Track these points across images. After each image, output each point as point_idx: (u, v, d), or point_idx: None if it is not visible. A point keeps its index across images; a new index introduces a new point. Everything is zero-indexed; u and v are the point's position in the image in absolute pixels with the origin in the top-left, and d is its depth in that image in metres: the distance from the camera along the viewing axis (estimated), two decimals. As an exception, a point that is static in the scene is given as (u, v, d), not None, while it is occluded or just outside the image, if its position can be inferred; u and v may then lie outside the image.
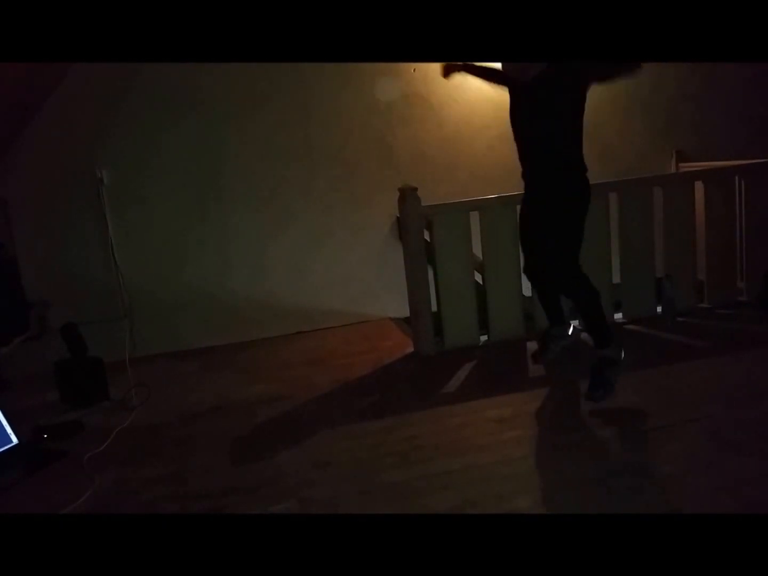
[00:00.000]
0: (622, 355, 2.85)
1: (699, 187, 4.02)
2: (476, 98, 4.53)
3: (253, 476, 2.54)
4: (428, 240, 3.82)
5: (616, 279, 3.96)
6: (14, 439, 2.96)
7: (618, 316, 4.02)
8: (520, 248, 3.37)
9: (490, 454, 2.52)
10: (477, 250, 3.81)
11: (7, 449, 2.92)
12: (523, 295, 3.88)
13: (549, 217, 2.82)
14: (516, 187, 3.13)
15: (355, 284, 4.70)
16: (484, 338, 3.90)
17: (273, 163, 4.49)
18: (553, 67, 2.63)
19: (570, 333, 3.36)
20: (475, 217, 3.74)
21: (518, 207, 3.66)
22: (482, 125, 4.55)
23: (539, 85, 2.69)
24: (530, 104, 2.77)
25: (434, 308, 3.81)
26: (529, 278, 3.30)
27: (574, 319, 3.50)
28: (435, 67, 4.61)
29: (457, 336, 3.81)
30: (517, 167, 2.98)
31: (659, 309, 3.97)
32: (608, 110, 4.60)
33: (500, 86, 2.96)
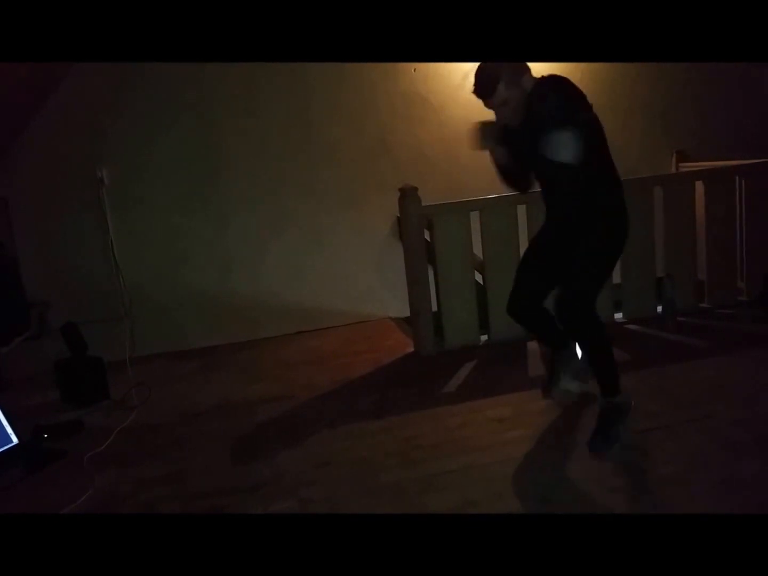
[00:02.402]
0: (632, 403, 2.55)
1: (699, 186, 4.02)
2: (477, 98, 4.54)
3: (253, 476, 2.54)
4: (428, 240, 3.82)
5: (617, 279, 3.95)
6: (14, 439, 2.96)
7: (618, 316, 4.02)
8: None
9: (490, 454, 2.52)
10: (477, 249, 3.81)
11: (7, 449, 2.92)
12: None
13: (583, 259, 2.48)
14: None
15: (355, 284, 4.70)
16: (484, 338, 3.90)
17: (273, 163, 4.49)
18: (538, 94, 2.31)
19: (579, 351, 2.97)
20: (475, 217, 3.74)
21: (518, 207, 3.66)
22: (482, 125, 4.55)
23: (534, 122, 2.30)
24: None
25: (434, 308, 3.81)
26: (516, 315, 2.83)
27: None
28: (435, 67, 4.66)
29: (458, 336, 3.81)
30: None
31: (659, 309, 3.97)
32: (608, 110, 4.59)
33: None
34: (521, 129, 2.41)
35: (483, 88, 2.37)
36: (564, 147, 2.18)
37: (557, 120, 2.19)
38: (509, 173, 2.64)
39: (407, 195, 3.65)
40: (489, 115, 2.53)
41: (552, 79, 2.34)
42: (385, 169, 4.56)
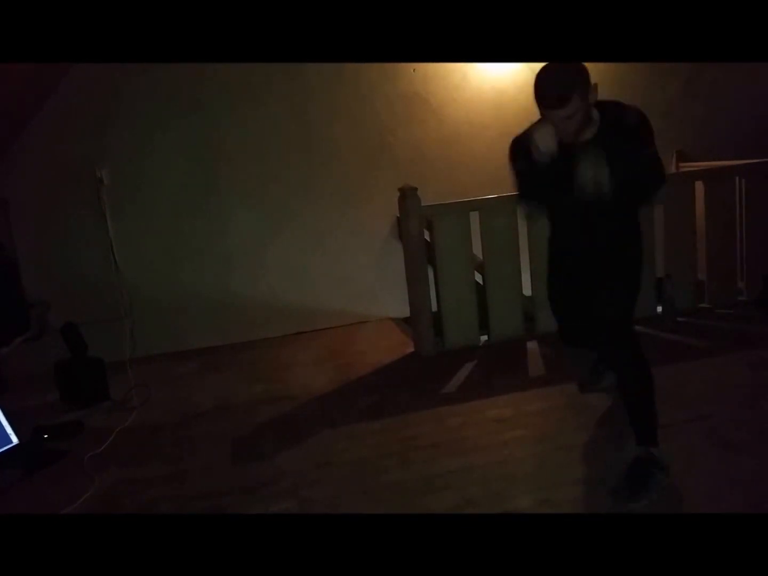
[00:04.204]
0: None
1: (699, 186, 4.02)
2: (476, 98, 4.53)
3: (253, 476, 2.54)
4: (428, 240, 3.82)
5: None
6: (14, 440, 2.96)
7: (618, 316, 4.01)
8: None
9: (490, 454, 2.52)
10: (477, 250, 3.81)
11: (7, 449, 2.92)
12: (524, 295, 3.88)
13: (624, 275, 2.34)
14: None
15: (355, 284, 4.70)
16: (484, 338, 3.90)
17: (273, 163, 4.49)
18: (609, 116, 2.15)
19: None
20: (475, 217, 3.74)
21: (518, 207, 3.65)
22: (482, 125, 4.55)
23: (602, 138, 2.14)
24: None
25: (434, 308, 3.81)
26: (574, 344, 2.80)
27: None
28: (435, 67, 4.66)
29: (458, 336, 3.81)
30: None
31: (659, 309, 3.97)
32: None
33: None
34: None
35: (558, 96, 1.99)
36: (660, 168, 2.19)
37: (651, 143, 2.14)
38: (542, 187, 2.29)
39: (407, 195, 3.65)
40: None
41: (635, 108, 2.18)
42: (385, 169, 4.56)
